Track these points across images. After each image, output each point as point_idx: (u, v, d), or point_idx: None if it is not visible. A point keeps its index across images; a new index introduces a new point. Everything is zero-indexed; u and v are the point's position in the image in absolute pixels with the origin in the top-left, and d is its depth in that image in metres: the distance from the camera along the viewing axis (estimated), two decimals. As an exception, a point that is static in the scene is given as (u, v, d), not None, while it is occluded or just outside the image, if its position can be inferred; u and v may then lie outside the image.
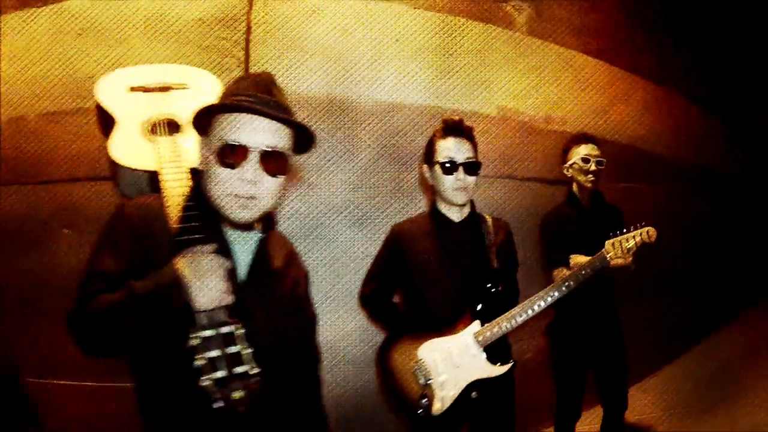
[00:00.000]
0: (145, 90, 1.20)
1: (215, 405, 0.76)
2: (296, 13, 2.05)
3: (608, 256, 1.59)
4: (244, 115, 0.86)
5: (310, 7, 2.16)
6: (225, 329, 0.79)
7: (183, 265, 0.78)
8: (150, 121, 1.14)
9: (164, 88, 1.20)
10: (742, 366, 3.14)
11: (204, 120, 0.89)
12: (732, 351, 3.37)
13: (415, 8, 2.36)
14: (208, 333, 0.78)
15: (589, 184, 1.98)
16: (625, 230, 1.63)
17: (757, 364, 3.10)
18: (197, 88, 1.24)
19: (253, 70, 1.96)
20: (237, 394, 0.77)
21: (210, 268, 0.79)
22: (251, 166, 0.85)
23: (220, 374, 0.76)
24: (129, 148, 1.07)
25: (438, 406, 1.42)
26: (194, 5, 2.00)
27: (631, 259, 1.67)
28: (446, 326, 1.49)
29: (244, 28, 1.96)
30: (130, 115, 1.15)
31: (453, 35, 2.43)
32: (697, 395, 2.91)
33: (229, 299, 0.81)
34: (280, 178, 0.90)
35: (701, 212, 3.37)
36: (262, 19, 1.99)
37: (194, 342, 0.77)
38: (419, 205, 2.26)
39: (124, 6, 2.03)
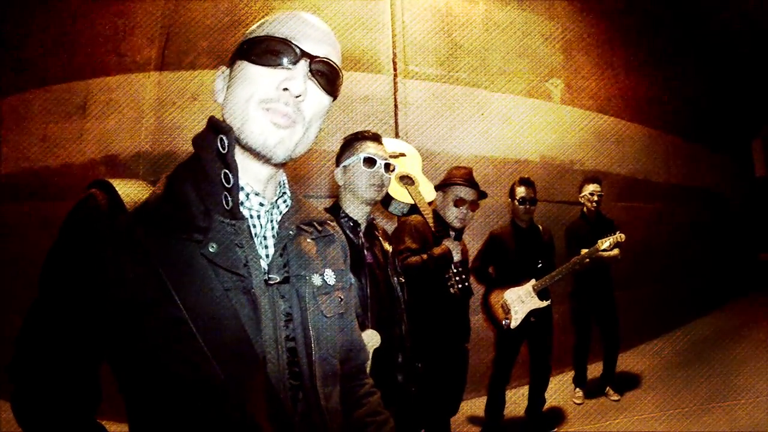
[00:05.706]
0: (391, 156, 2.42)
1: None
2: (427, 96, 3.28)
3: (599, 248, 2.80)
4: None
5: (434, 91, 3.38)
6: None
7: (447, 245, 2.05)
8: (398, 175, 2.34)
9: (399, 155, 2.40)
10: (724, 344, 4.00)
11: (443, 186, 2.17)
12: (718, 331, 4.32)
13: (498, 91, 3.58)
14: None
15: (593, 208, 3.20)
16: (610, 234, 2.82)
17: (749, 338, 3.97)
18: (411, 156, 2.45)
19: (401, 133, 3.17)
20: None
21: (454, 246, 2.06)
22: (466, 208, 2.12)
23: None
24: (394, 189, 2.28)
25: (514, 324, 2.70)
26: (361, 89, 3.23)
27: (617, 251, 2.94)
28: (518, 282, 2.77)
29: (393, 104, 3.20)
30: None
31: (516, 106, 3.62)
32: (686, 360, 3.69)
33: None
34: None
35: (689, 222, 4.48)
36: (403, 99, 3.24)
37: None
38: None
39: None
